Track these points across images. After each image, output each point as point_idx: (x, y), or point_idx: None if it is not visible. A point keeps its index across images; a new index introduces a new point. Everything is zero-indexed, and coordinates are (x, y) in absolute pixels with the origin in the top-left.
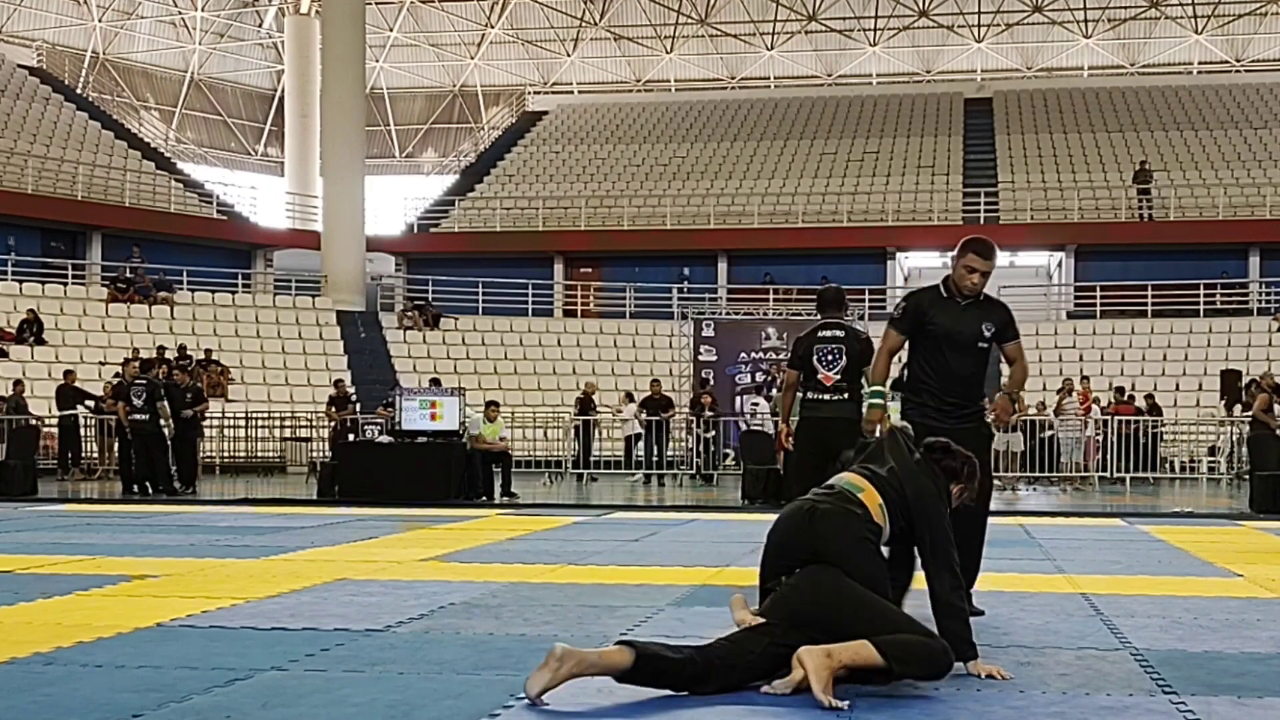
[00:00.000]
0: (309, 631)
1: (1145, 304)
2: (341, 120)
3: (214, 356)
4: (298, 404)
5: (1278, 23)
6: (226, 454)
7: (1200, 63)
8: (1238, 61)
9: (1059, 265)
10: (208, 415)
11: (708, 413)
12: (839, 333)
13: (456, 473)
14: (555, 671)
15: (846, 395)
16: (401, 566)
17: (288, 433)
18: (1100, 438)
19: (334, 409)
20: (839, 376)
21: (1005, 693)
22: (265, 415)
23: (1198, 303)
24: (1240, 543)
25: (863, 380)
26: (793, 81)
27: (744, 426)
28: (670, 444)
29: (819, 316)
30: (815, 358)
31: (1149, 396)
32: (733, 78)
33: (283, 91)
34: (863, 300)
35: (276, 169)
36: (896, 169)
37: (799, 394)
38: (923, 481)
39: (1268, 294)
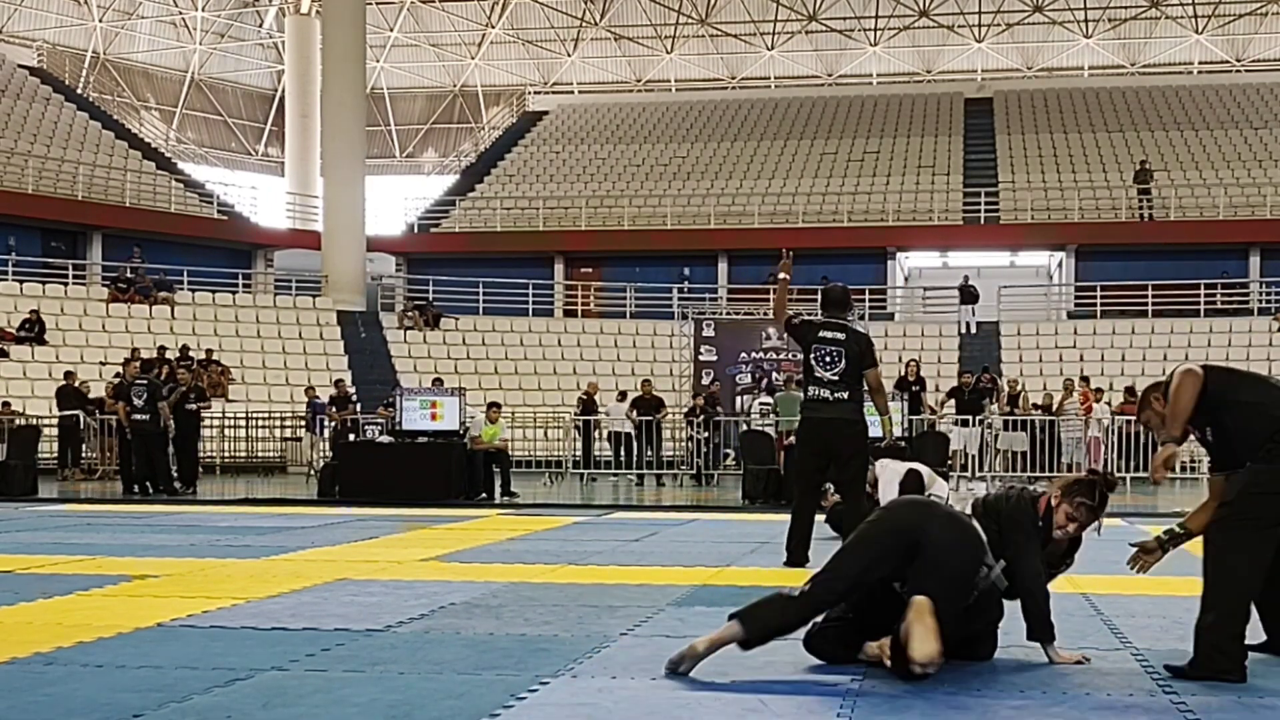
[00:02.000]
0: (309, 631)
1: (1146, 304)
2: (342, 120)
3: (214, 356)
4: (298, 404)
5: (1277, 22)
6: (227, 454)
7: (1201, 62)
8: (1238, 61)
9: (1059, 265)
10: (206, 416)
11: (718, 409)
12: (839, 335)
13: (457, 473)
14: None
15: (846, 396)
16: (402, 566)
17: (288, 433)
18: (1102, 437)
19: (334, 409)
20: (837, 379)
21: (1005, 692)
22: (266, 415)
23: (1198, 303)
24: None
25: (863, 381)
26: (793, 81)
27: (744, 426)
28: (665, 444)
29: (821, 315)
30: (814, 357)
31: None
32: (733, 78)
33: (283, 91)
34: (863, 300)
35: (277, 169)
36: (897, 169)
37: (802, 393)
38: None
39: (1268, 294)
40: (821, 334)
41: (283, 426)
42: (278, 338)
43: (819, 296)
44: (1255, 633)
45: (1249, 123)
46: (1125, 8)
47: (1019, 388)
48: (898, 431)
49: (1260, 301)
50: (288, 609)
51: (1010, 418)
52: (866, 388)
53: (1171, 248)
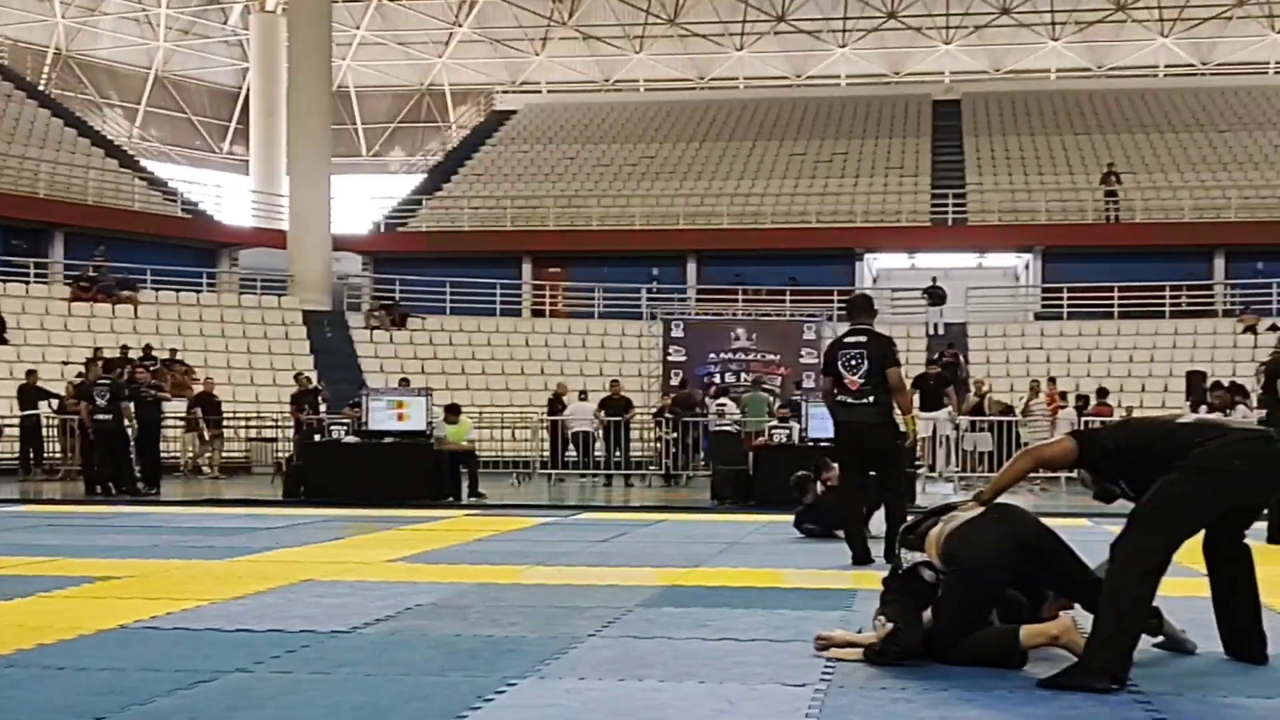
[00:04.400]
0: (274, 633)
1: (1112, 306)
2: (307, 118)
3: (178, 356)
4: (263, 404)
5: (1243, 26)
6: (191, 454)
7: (1166, 66)
8: (1203, 65)
9: (1027, 267)
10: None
11: (697, 409)
12: (861, 338)
13: (423, 473)
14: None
15: (871, 399)
16: (368, 567)
17: (253, 433)
18: None
19: (296, 405)
20: (863, 380)
21: (972, 693)
22: (230, 416)
23: (1164, 304)
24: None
25: (885, 381)
26: (762, 82)
27: (713, 427)
28: (634, 445)
29: (849, 323)
30: (840, 363)
31: (1129, 409)
32: (702, 78)
33: (248, 89)
34: (831, 301)
35: (241, 167)
36: (865, 170)
37: (834, 399)
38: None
39: (1232, 296)
40: (846, 340)
41: (248, 427)
42: (243, 337)
43: (846, 306)
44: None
45: (1214, 126)
46: (1092, 11)
47: (985, 388)
48: (923, 430)
49: (1225, 303)
50: (252, 611)
51: (976, 419)
52: (890, 386)
53: (1138, 250)
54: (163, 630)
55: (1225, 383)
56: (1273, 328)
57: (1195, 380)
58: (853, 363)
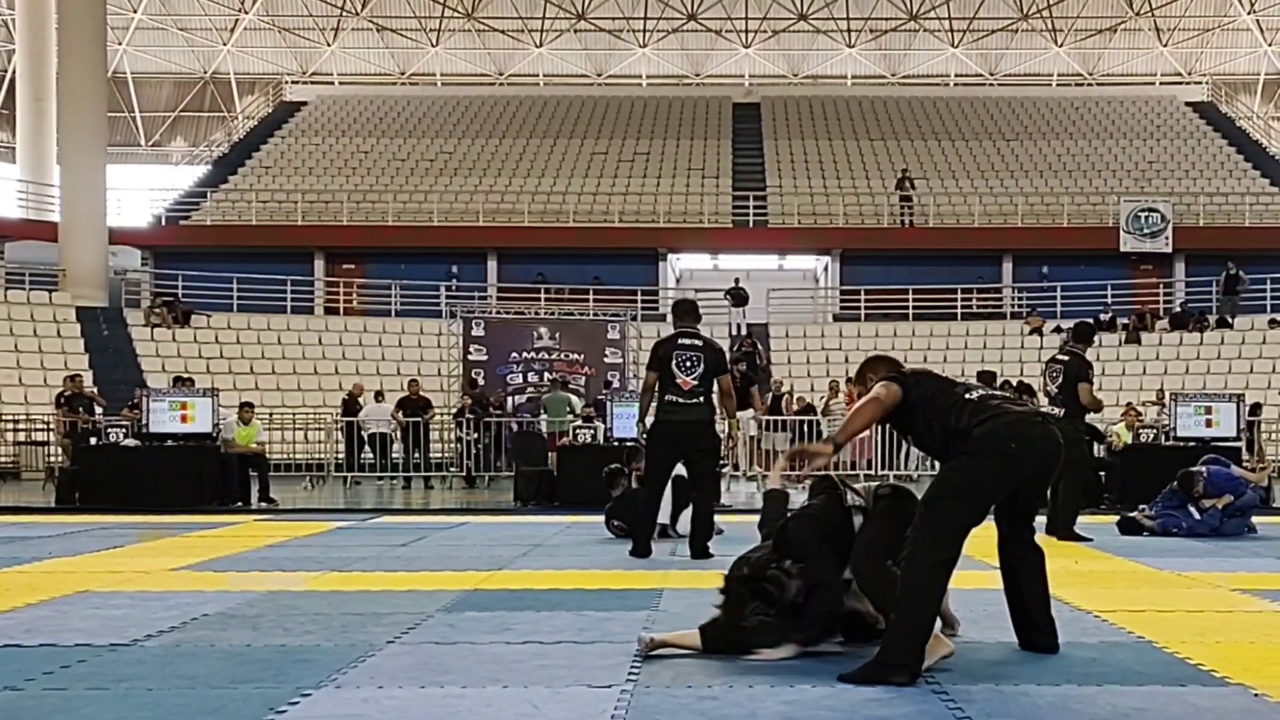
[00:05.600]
0: (47, 648)
1: (907, 308)
2: (80, 105)
3: None
4: (33, 406)
5: (1028, 39)
6: None
7: (957, 75)
8: (991, 75)
9: (826, 269)
10: None
11: (491, 409)
12: (698, 342)
13: (209, 477)
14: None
15: (702, 400)
16: (150, 576)
17: (22, 437)
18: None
19: (67, 408)
20: (696, 382)
21: (775, 688)
22: None
23: (955, 307)
24: (995, 536)
25: (714, 386)
26: (562, 80)
27: (514, 428)
28: (434, 445)
29: (675, 325)
30: (675, 364)
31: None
32: (501, 74)
33: (14, 72)
34: (635, 301)
35: (7, 155)
36: (667, 170)
37: (658, 397)
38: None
39: (1019, 299)
40: (681, 342)
41: (16, 430)
42: (10, 335)
43: (670, 310)
44: (1009, 619)
45: (1001, 135)
46: (885, 19)
47: (784, 388)
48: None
49: (1012, 306)
50: (22, 625)
51: (774, 417)
52: (717, 391)
53: (931, 254)
54: None
55: (1014, 382)
56: (1057, 329)
57: (985, 380)
58: (688, 364)
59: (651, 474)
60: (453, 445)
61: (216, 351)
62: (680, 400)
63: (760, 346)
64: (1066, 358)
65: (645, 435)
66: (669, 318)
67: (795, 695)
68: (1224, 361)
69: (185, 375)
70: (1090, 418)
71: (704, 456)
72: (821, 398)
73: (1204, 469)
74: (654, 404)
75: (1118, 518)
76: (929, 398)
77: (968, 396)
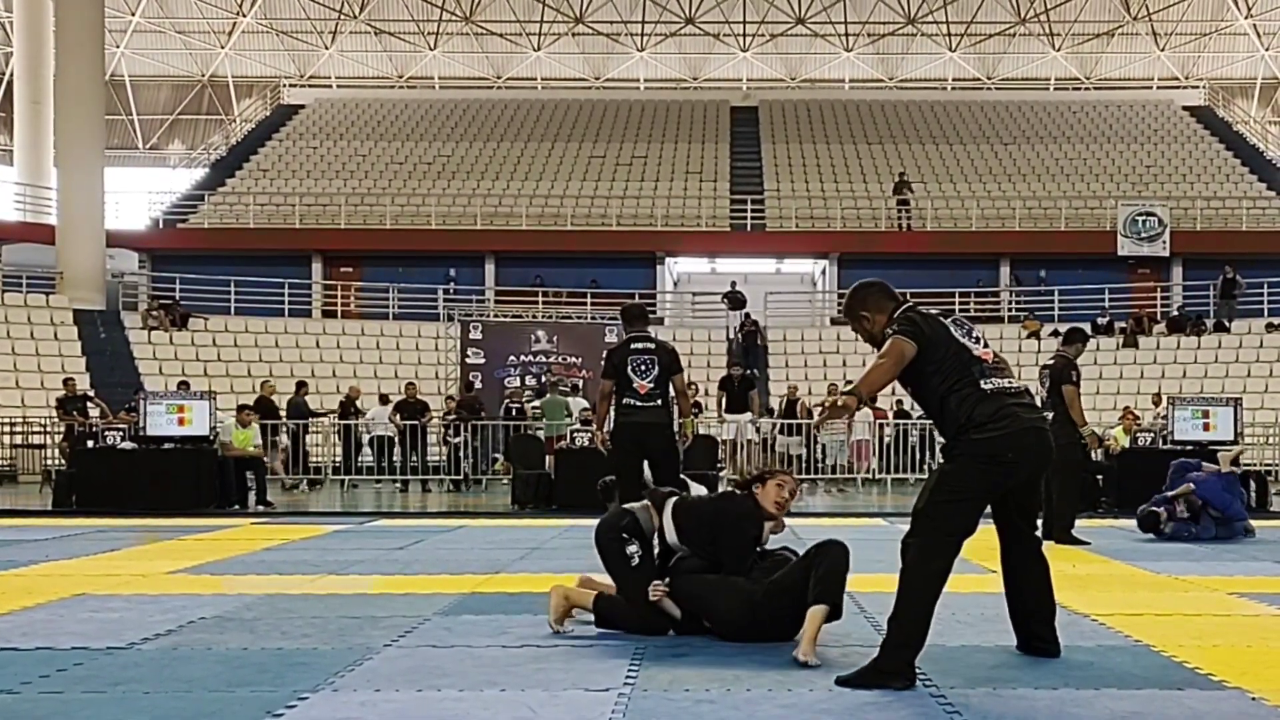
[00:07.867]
0: (43, 651)
1: None
2: (78, 107)
3: None
4: (30, 409)
5: (1025, 43)
6: None
7: (954, 79)
8: (989, 79)
9: (823, 273)
10: None
11: (481, 414)
12: (650, 344)
13: (207, 481)
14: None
15: (659, 402)
16: (147, 580)
17: (19, 439)
18: (870, 441)
19: (63, 411)
20: (652, 385)
21: (773, 692)
22: None
23: (952, 310)
24: (993, 540)
25: (670, 388)
26: (560, 83)
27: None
28: (431, 449)
29: (626, 330)
30: (630, 368)
31: (899, 401)
32: (499, 77)
33: (12, 74)
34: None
35: (5, 157)
36: (665, 174)
37: (615, 402)
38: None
39: (1017, 301)
40: (634, 346)
41: (13, 433)
42: (7, 338)
43: (619, 315)
44: (1006, 623)
45: (999, 138)
46: (883, 23)
47: (796, 393)
48: (728, 433)
49: (1010, 309)
50: (18, 628)
51: (786, 420)
52: (673, 391)
53: (928, 257)
54: None
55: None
56: (1055, 333)
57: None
58: (643, 368)
59: (621, 477)
60: (450, 449)
61: (214, 354)
62: (637, 403)
63: (760, 326)
64: (1054, 361)
65: (606, 442)
66: (620, 322)
67: (792, 699)
68: (1221, 365)
69: (185, 381)
70: (1091, 422)
71: (661, 457)
72: (819, 400)
73: (1190, 484)
74: (611, 409)
75: (1135, 517)
76: (942, 363)
77: (984, 386)
